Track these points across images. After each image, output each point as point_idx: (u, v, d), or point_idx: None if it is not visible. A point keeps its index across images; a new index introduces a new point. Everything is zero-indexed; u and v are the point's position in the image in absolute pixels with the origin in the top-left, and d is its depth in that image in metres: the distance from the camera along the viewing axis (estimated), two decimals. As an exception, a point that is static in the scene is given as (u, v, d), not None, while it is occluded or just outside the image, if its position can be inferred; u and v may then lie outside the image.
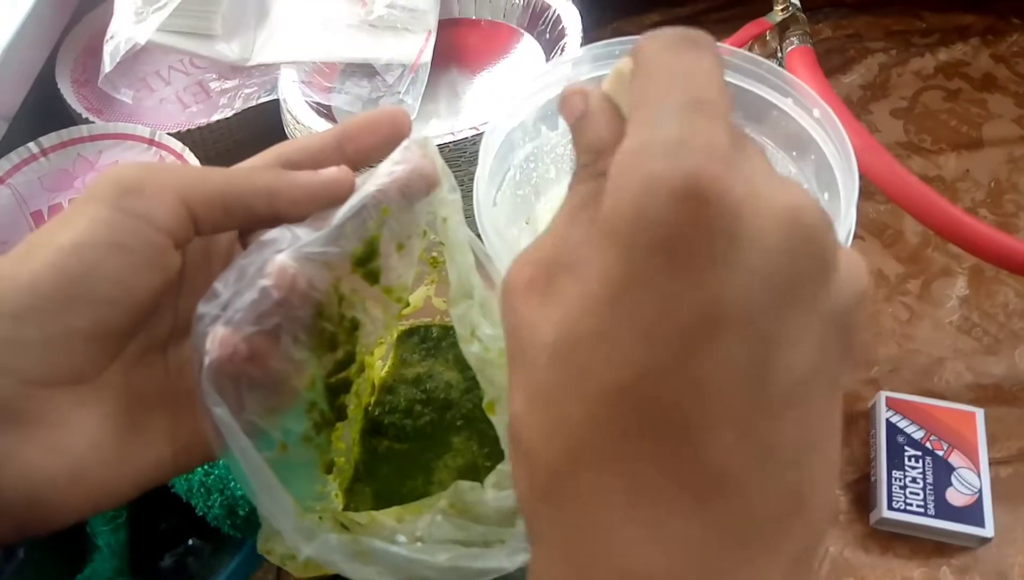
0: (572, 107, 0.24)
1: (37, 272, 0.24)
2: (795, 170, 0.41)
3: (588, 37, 0.70)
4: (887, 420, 0.48)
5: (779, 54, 0.53)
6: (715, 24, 0.71)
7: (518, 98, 0.40)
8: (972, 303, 0.55)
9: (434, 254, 0.36)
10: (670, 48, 0.21)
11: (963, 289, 0.55)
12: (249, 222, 0.28)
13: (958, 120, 0.65)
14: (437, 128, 0.57)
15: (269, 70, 0.57)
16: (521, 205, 0.44)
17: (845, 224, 0.36)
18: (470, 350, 0.31)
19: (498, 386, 0.32)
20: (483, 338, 0.32)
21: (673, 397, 0.18)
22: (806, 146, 0.39)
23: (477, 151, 0.50)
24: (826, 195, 0.38)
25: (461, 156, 0.51)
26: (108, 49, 0.53)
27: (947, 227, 0.46)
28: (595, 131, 0.23)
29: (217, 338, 0.26)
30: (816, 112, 0.38)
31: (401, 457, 0.42)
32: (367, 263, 0.31)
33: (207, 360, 0.26)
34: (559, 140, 0.44)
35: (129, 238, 0.25)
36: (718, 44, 0.54)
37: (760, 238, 0.17)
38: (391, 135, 0.30)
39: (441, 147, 0.50)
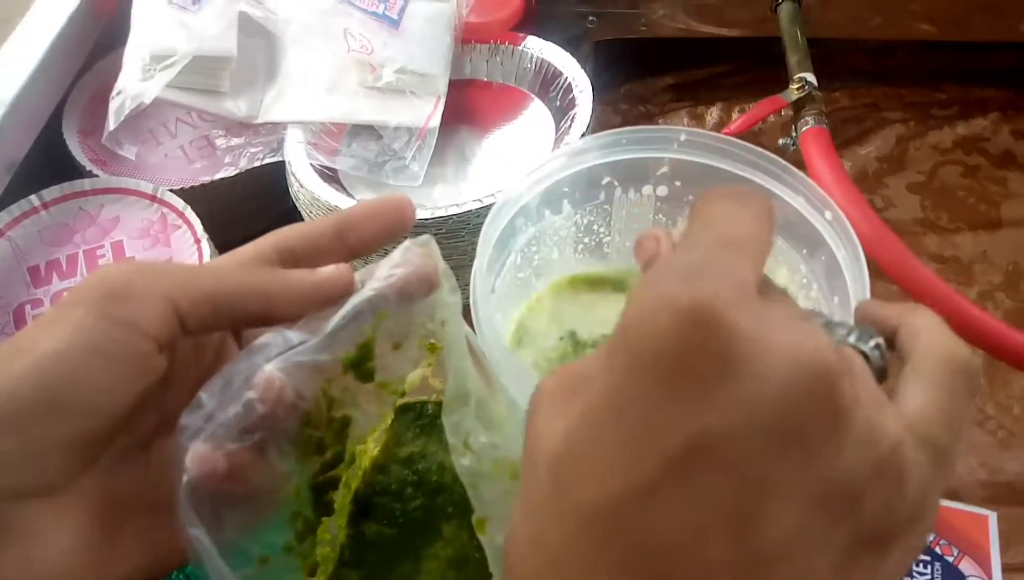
0: (645, 250, 0.25)
1: (18, 378, 0.23)
2: (805, 269, 0.39)
3: (600, 98, 0.70)
4: (895, 521, 0.46)
5: (793, 133, 0.52)
6: (730, 89, 0.70)
7: (520, 184, 0.39)
8: (987, 394, 0.53)
9: (432, 341, 0.35)
10: (723, 196, 0.22)
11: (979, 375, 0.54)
12: (241, 322, 0.28)
13: (976, 198, 0.63)
14: (443, 193, 0.56)
15: (276, 129, 0.57)
16: (521, 287, 0.43)
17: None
18: (462, 463, 0.30)
19: (487, 503, 0.30)
20: (477, 448, 0.30)
21: (651, 529, 0.17)
22: (817, 246, 0.38)
23: (480, 223, 0.50)
24: (836, 298, 0.37)
25: (464, 228, 0.50)
26: (113, 106, 0.53)
27: (959, 323, 0.44)
28: None
29: (197, 456, 0.25)
30: (828, 214, 0.37)
31: (390, 543, 0.40)
32: (361, 365, 0.31)
33: (185, 478, 0.25)
34: (563, 223, 0.43)
35: (113, 345, 0.24)
36: (730, 126, 0.52)
37: (762, 377, 0.17)
38: (395, 224, 0.30)
39: (444, 218, 0.49)
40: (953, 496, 0.49)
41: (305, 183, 0.53)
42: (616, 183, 0.42)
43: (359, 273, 0.29)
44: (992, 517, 0.46)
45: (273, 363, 0.26)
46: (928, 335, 0.22)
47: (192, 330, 0.26)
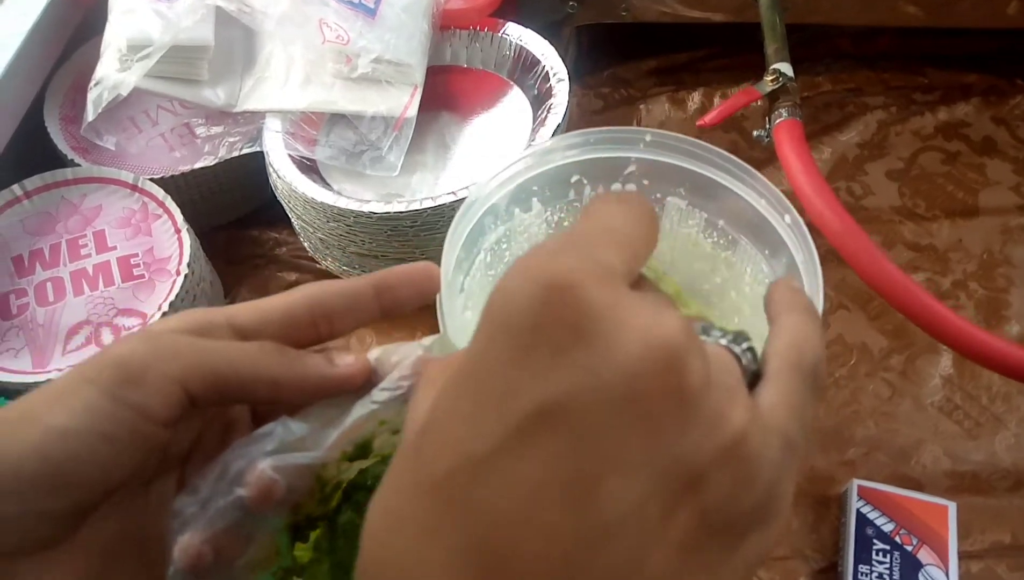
0: None
1: (22, 453, 0.24)
2: (768, 269, 0.40)
3: (582, 82, 0.70)
4: (858, 510, 0.47)
5: (767, 125, 0.52)
6: (712, 72, 0.70)
7: (488, 184, 0.39)
8: (956, 383, 0.54)
9: None
10: (611, 197, 0.23)
11: (948, 367, 0.55)
12: (250, 403, 0.29)
13: (955, 185, 0.63)
14: (422, 180, 0.57)
15: (254, 118, 0.57)
16: (493, 283, 0.44)
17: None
18: None
19: None
20: None
21: (491, 494, 0.17)
22: (779, 249, 0.39)
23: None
24: (795, 300, 0.38)
25: (439, 220, 0.51)
26: (91, 97, 0.53)
27: (925, 320, 0.45)
28: None
29: (184, 547, 0.26)
30: (787, 218, 0.37)
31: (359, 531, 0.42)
32: (358, 458, 0.31)
33: (172, 569, 0.26)
34: (532, 220, 0.43)
35: (120, 430, 0.25)
36: (704, 118, 0.52)
37: (611, 349, 0.17)
38: (425, 291, 0.31)
39: (419, 212, 0.50)
40: (916, 486, 0.50)
41: (283, 174, 0.53)
42: (585, 181, 0.43)
43: (376, 352, 0.30)
44: (952, 507, 0.47)
45: (268, 461, 0.27)
46: (787, 336, 0.23)
47: (201, 406, 0.27)
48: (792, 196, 0.48)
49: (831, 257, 0.48)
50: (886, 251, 0.60)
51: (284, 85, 0.55)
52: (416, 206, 0.49)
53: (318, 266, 0.59)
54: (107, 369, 0.25)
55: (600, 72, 0.71)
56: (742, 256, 0.42)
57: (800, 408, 0.21)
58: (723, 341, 0.22)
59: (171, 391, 0.25)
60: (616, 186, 0.43)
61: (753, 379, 0.23)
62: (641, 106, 0.68)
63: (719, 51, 0.71)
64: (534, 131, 0.56)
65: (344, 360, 0.29)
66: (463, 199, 0.49)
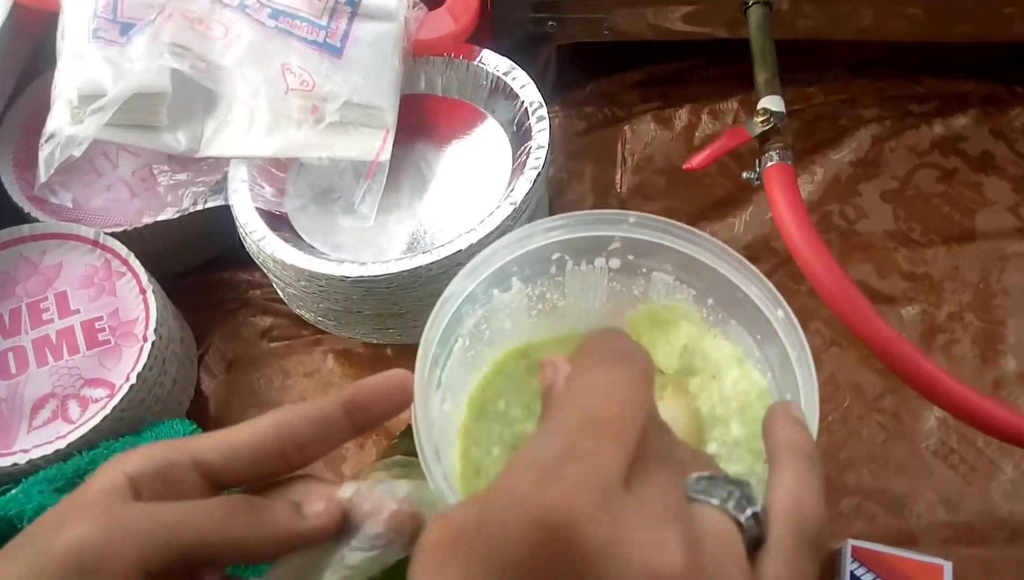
0: (544, 377, 0.26)
1: None
2: (759, 354, 0.38)
3: (564, 100, 0.67)
4: (852, 573, 0.46)
5: (757, 168, 0.50)
6: (699, 84, 0.67)
7: (460, 281, 0.37)
8: (951, 425, 0.53)
9: None
10: (595, 358, 0.22)
11: (942, 408, 0.53)
12: (218, 565, 0.27)
13: (951, 206, 0.61)
14: (399, 221, 0.54)
15: (218, 165, 0.54)
16: (473, 361, 0.42)
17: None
18: None
19: None
20: None
21: None
22: (770, 338, 0.37)
23: (432, 276, 0.48)
24: (788, 395, 0.36)
25: (416, 280, 0.49)
26: (43, 156, 0.50)
27: (923, 387, 0.43)
28: None
29: None
30: (780, 313, 0.36)
31: None
32: None
33: None
34: (512, 298, 0.41)
35: None
36: (692, 161, 0.50)
37: None
38: (399, 403, 0.31)
39: (395, 274, 0.48)
40: (911, 539, 0.49)
41: (250, 231, 0.50)
42: (567, 257, 0.40)
43: (348, 490, 0.28)
44: (947, 568, 0.46)
45: None
46: (789, 495, 0.24)
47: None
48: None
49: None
50: (880, 280, 0.59)
51: (248, 131, 0.52)
52: (390, 270, 0.47)
53: (293, 311, 0.57)
54: (65, 559, 0.24)
55: (582, 87, 0.67)
56: (733, 336, 0.40)
57: (803, 577, 0.22)
58: (729, 505, 0.22)
59: (130, 573, 0.24)
60: (600, 262, 0.41)
61: (754, 543, 0.23)
62: (625, 127, 0.65)
63: (705, 61, 0.68)
64: (514, 172, 0.54)
65: (314, 510, 0.28)
66: (440, 260, 0.47)
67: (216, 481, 0.29)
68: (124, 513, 0.25)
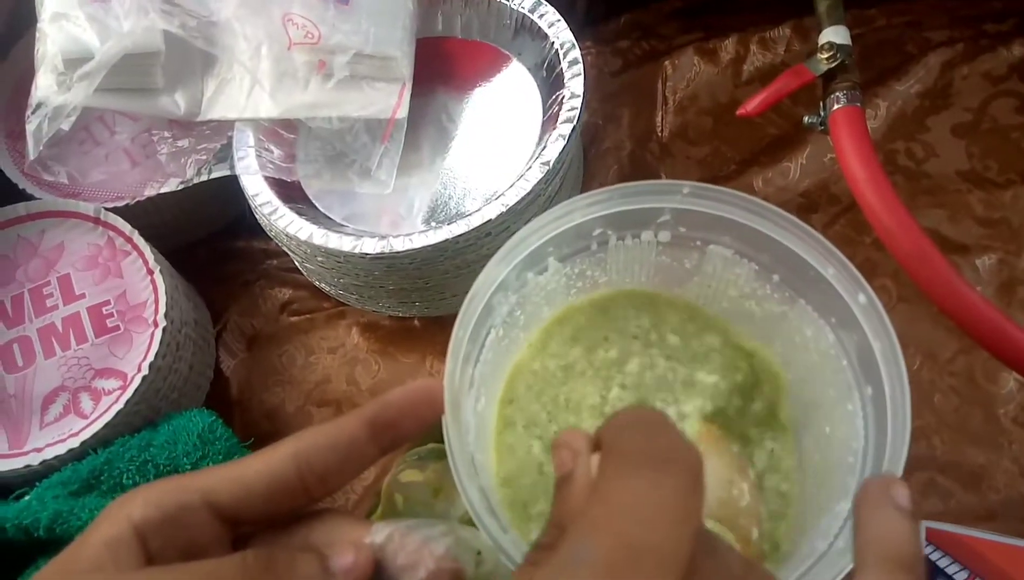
0: (560, 461, 0.23)
1: None
2: (833, 338, 0.34)
3: (597, 36, 0.61)
4: (927, 558, 0.43)
5: (821, 112, 0.44)
6: (747, 10, 0.60)
7: (489, 270, 0.33)
8: (1033, 385, 0.48)
9: None
10: (635, 458, 0.18)
11: (1023, 368, 0.48)
12: None
13: (1032, 140, 0.55)
14: (421, 183, 0.49)
15: (221, 129, 0.49)
16: (508, 349, 0.38)
17: (896, 449, 0.29)
18: None
19: None
20: None
21: None
22: (848, 322, 0.32)
23: (460, 248, 0.44)
24: (869, 389, 0.32)
25: (442, 254, 0.44)
26: (31, 129, 0.45)
27: (1011, 354, 0.39)
28: (568, 501, 0.21)
29: None
30: (862, 297, 0.31)
31: None
32: None
33: None
34: (549, 280, 0.37)
35: None
36: (747, 106, 0.44)
37: None
38: (428, 417, 0.28)
39: (418, 250, 0.43)
40: (989, 517, 0.45)
41: (260, 203, 0.46)
42: (610, 232, 0.36)
43: (380, 535, 0.25)
44: (1032, 549, 0.42)
45: None
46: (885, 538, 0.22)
47: None
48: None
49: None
50: (953, 226, 0.53)
51: (251, 90, 0.48)
52: (414, 245, 0.43)
53: (313, 283, 0.53)
54: None
55: (616, 19, 0.61)
56: (801, 316, 0.35)
57: None
58: None
59: None
60: (647, 235, 0.36)
61: None
62: (666, 63, 0.59)
63: (754, -18, 0.61)
64: (545, 125, 0.48)
65: (342, 564, 0.24)
66: (467, 232, 0.43)
67: (231, 521, 0.26)
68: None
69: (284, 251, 0.54)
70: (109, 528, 0.24)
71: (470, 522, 0.29)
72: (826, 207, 0.53)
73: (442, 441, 0.38)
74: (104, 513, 0.25)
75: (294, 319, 0.55)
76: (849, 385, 0.33)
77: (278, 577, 0.23)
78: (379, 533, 0.25)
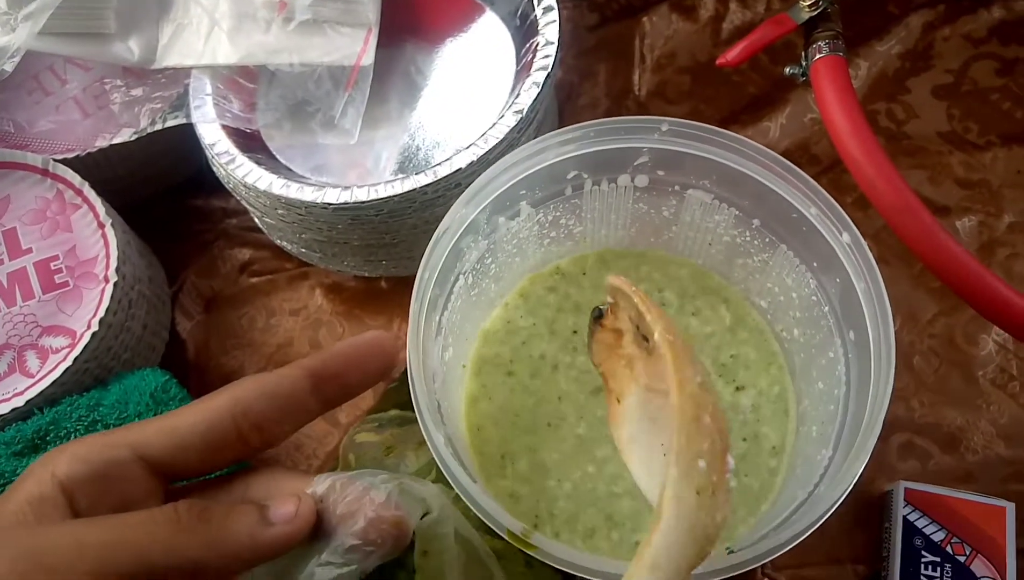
0: None
1: None
2: (815, 283, 0.32)
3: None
4: (904, 518, 0.42)
5: (803, 61, 0.43)
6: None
7: (458, 208, 0.31)
8: (1011, 350, 0.47)
9: None
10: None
11: (1003, 331, 0.48)
12: None
13: (1012, 102, 0.54)
14: (387, 136, 0.47)
15: (178, 76, 0.47)
16: (478, 301, 0.36)
17: (879, 389, 0.28)
18: None
19: None
20: None
21: None
22: (830, 264, 0.31)
23: (428, 200, 0.42)
24: (851, 334, 0.30)
25: (410, 205, 0.42)
26: (-29, 73, 0.43)
27: (996, 310, 0.38)
28: None
29: None
30: (845, 237, 0.30)
31: None
32: None
33: None
34: (521, 225, 0.35)
35: None
36: (727, 55, 0.42)
37: None
38: (378, 371, 0.27)
39: (384, 200, 0.41)
40: (967, 478, 0.44)
41: (217, 153, 0.44)
42: (585, 175, 0.34)
43: (322, 485, 0.23)
44: (1009, 509, 0.42)
45: None
46: None
47: None
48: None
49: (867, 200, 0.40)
50: (933, 188, 0.52)
51: (209, 35, 0.45)
52: (379, 195, 0.41)
53: (275, 242, 0.51)
54: None
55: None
56: (781, 262, 0.34)
57: None
58: None
59: None
60: (624, 179, 0.35)
61: None
62: (644, 19, 0.57)
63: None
64: (519, 75, 0.47)
65: (281, 513, 0.23)
66: (435, 182, 0.41)
67: (165, 475, 0.24)
68: (45, 540, 0.20)
69: (244, 209, 0.51)
70: (33, 485, 0.22)
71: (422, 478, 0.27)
72: (806, 167, 0.50)
73: (404, 408, 0.36)
74: (28, 470, 0.23)
75: (255, 280, 0.52)
76: (831, 330, 0.32)
77: (213, 528, 0.22)
78: (320, 484, 0.24)
